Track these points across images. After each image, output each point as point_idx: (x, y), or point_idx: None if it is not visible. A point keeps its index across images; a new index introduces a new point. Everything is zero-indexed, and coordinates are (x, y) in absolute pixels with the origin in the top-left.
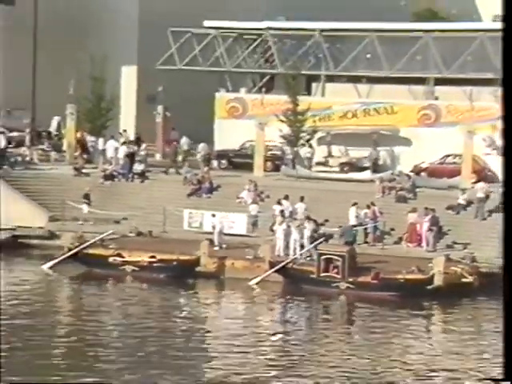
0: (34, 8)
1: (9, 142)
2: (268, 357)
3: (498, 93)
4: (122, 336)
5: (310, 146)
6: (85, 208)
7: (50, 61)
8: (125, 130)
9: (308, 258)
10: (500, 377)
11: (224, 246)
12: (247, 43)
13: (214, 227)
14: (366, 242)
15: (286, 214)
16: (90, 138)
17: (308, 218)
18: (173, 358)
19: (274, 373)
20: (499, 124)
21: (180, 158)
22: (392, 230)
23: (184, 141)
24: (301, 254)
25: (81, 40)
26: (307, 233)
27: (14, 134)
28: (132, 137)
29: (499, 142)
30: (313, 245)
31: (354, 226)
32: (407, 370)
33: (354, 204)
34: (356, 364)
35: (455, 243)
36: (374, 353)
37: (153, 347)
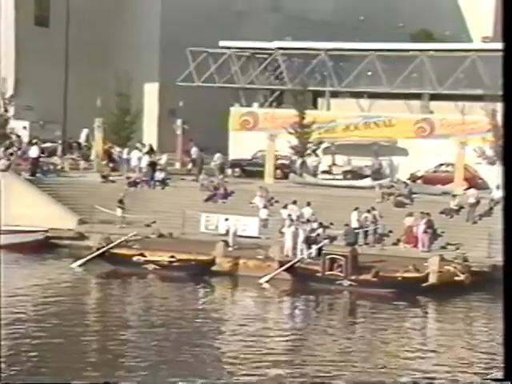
0: (66, 30)
1: (42, 152)
2: (276, 346)
3: (487, 107)
4: (142, 329)
5: (316, 156)
6: (119, 212)
7: (80, 78)
8: (143, 144)
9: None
10: (486, 368)
11: (237, 246)
12: (259, 62)
13: (228, 230)
14: (367, 244)
15: (294, 217)
16: (115, 149)
17: (314, 222)
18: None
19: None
20: (489, 136)
21: (190, 166)
22: (390, 232)
23: (194, 150)
24: (308, 254)
25: (107, 59)
26: (313, 234)
27: (47, 144)
28: (153, 148)
29: (489, 152)
30: (318, 246)
31: (356, 228)
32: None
33: (356, 209)
34: (356, 353)
35: (448, 244)
36: (372, 343)
37: (170, 342)
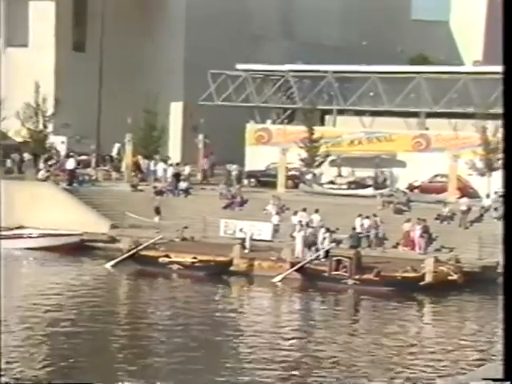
0: (100, 55)
1: (78, 164)
2: (287, 336)
3: (478, 124)
4: (166, 322)
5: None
6: (156, 218)
7: (112, 98)
8: (168, 156)
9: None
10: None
11: (252, 249)
12: (272, 83)
13: (244, 234)
14: (369, 246)
15: (304, 223)
16: (143, 161)
17: (322, 227)
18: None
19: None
20: (479, 150)
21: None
22: (391, 236)
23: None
24: (316, 256)
25: (137, 81)
26: (321, 238)
27: (83, 157)
28: (177, 160)
29: (479, 164)
30: (325, 249)
31: (360, 233)
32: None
33: (359, 215)
34: (357, 342)
35: (443, 247)
36: (373, 335)
37: (194, 331)
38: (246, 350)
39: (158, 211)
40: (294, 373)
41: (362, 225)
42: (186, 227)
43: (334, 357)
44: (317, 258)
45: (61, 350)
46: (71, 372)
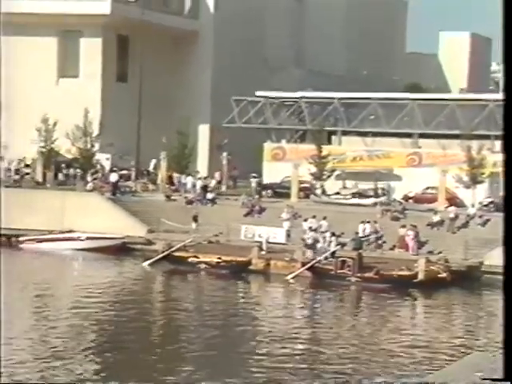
0: (140, 84)
1: (120, 177)
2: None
3: (463, 144)
4: (194, 313)
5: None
6: (193, 225)
7: (150, 121)
8: (197, 171)
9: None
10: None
11: (269, 251)
12: (287, 108)
13: (262, 238)
14: (370, 249)
15: (313, 228)
16: (176, 175)
17: (329, 232)
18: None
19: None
20: (464, 166)
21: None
22: (388, 239)
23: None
24: (324, 257)
25: (171, 106)
26: (328, 241)
27: (124, 172)
28: (204, 174)
29: (465, 178)
30: (332, 250)
31: (362, 237)
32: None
33: (362, 222)
34: (358, 329)
35: (433, 250)
36: (372, 325)
37: (219, 320)
38: (264, 332)
39: (195, 219)
40: (301, 347)
41: (363, 230)
42: (218, 233)
43: (338, 337)
44: (325, 259)
45: (111, 323)
46: (121, 338)
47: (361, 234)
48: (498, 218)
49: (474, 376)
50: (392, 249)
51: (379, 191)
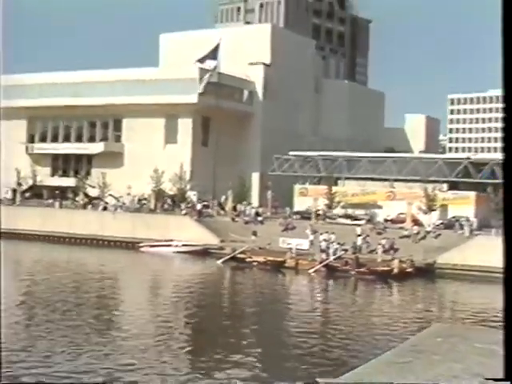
0: (215, 147)
1: (203, 207)
2: (318, 299)
3: (422, 186)
4: (249, 291)
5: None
6: (252, 237)
7: (221, 170)
8: (251, 203)
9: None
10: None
11: (297, 254)
12: (309, 162)
13: (293, 245)
14: (362, 253)
15: (326, 239)
16: (238, 205)
17: (336, 242)
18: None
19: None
20: (423, 200)
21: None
22: (374, 246)
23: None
24: (334, 258)
25: (235, 161)
26: (335, 248)
27: (205, 203)
28: (256, 205)
29: (423, 208)
30: (338, 254)
31: (358, 245)
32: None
33: (358, 235)
34: (356, 303)
35: (403, 254)
36: (366, 304)
37: (266, 296)
38: (293, 307)
39: (255, 234)
40: (320, 307)
41: (360, 239)
42: (269, 244)
43: (343, 305)
44: (334, 259)
45: (200, 294)
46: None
47: (357, 243)
48: (446, 233)
49: (437, 341)
50: (377, 253)
51: (368, 216)
